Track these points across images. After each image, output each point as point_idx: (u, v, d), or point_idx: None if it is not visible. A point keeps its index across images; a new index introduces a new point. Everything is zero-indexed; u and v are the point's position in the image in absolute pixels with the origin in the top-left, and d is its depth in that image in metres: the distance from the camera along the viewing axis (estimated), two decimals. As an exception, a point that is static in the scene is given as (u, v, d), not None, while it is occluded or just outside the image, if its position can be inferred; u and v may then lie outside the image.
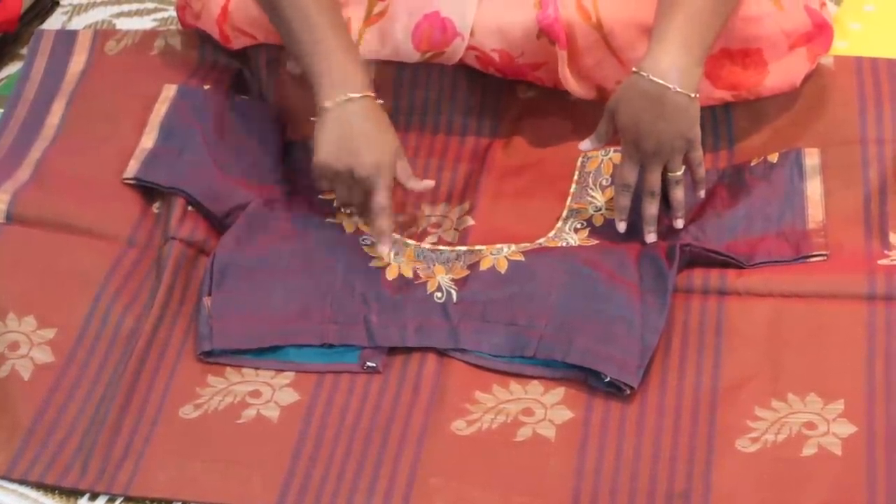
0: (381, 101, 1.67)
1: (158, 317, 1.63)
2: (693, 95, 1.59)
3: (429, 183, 1.72)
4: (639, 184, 1.65)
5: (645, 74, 1.58)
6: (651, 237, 1.66)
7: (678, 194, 1.65)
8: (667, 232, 1.68)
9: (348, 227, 1.71)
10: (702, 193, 1.68)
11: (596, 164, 1.76)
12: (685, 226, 1.68)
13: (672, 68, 1.57)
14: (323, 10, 1.67)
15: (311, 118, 1.66)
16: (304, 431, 1.53)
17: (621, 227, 1.67)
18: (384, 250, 1.66)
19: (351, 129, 1.63)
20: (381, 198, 1.65)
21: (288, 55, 1.85)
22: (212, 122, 1.81)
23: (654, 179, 1.64)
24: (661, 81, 1.57)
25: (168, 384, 1.58)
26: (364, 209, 1.68)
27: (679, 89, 1.57)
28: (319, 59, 1.65)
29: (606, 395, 1.54)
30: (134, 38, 1.97)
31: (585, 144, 1.69)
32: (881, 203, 1.68)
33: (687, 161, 1.64)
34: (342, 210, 1.72)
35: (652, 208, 1.65)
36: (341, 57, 1.65)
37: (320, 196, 1.76)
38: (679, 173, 1.64)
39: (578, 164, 1.78)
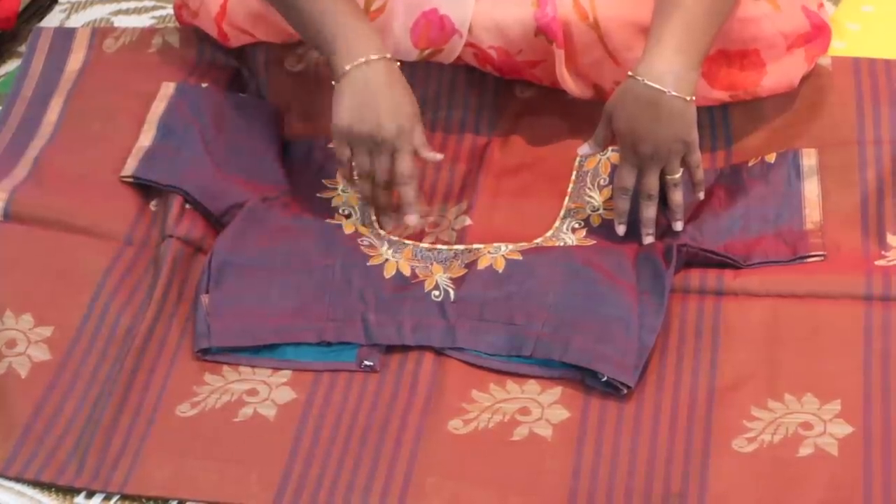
0: (399, 62, 1.66)
1: (155, 315, 1.63)
2: (689, 99, 1.59)
3: (438, 155, 1.69)
4: (637, 186, 1.65)
5: (640, 79, 1.58)
6: (649, 239, 1.66)
7: (677, 197, 1.65)
8: (664, 232, 1.68)
9: (347, 227, 1.71)
10: (701, 195, 1.68)
11: (594, 163, 1.76)
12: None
13: (667, 72, 1.57)
14: None
15: (332, 82, 1.65)
16: (301, 430, 1.53)
17: (620, 230, 1.67)
18: (412, 220, 1.64)
19: (371, 92, 1.62)
20: (406, 165, 1.64)
21: (291, 51, 1.85)
22: (210, 120, 1.81)
23: (652, 183, 1.64)
24: (656, 86, 1.57)
25: (165, 382, 1.58)
26: (386, 176, 1.65)
27: (674, 93, 1.57)
28: (331, 26, 1.64)
29: (603, 394, 1.54)
30: (132, 35, 1.97)
31: (584, 149, 1.69)
32: (878, 204, 1.68)
33: (685, 164, 1.64)
34: (356, 180, 1.69)
35: (650, 211, 1.65)
36: (352, 20, 1.64)
37: (318, 195, 1.76)
38: (677, 176, 1.64)
39: (576, 163, 1.78)
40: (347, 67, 1.62)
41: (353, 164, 1.67)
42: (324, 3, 1.65)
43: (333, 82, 1.64)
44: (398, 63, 1.65)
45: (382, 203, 1.69)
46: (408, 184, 1.65)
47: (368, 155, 1.65)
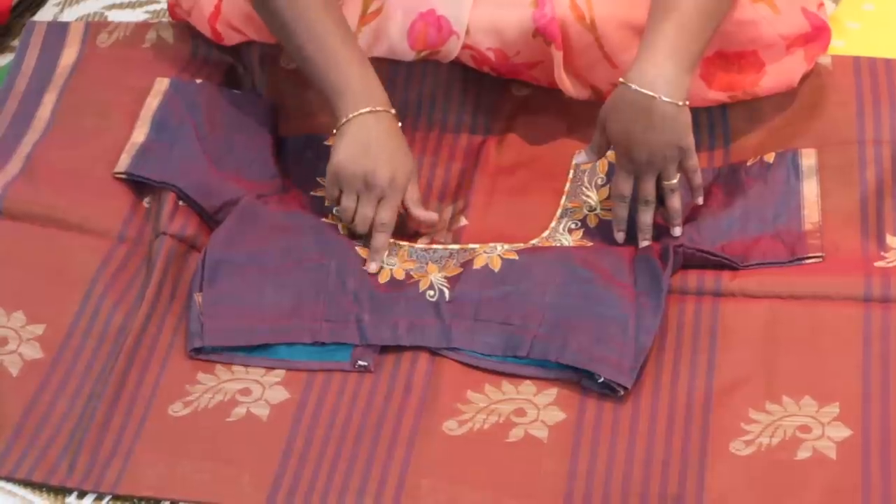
0: (400, 123, 1.68)
1: (148, 313, 1.62)
2: (681, 104, 1.57)
3: (433, 216, 1.71)
4: (634, 192, 1.64)
5: (631, 85, 1.57)
6: (646, 244, 1.65)
7: (675, 203, 1.64)
8: (661, 233, 1.67)
9: (343, 228, 1.70)
10: (699, 201, 1.67)
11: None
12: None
13: (659, 78, 1.56)
14: (332, 26, 1.66)
15: (333, 130, 1.66)
16: (295, 430, 1.52)
17: (619, 237, 1.67)
18: (374, 268, 1.65)
19: (372, 139, 1.64)
20: (387, 214, 1.66)
21: (287, 55, 1.84)
22: (204, 117, 1.80)
23: (649, 188, 1.63)
24: (647, 92, 1.56)
25: (157, 381, 1.58)
26: (364, 228, 1.67)
27: (666, 98, 1.56)
28: (337, 75, 1.66)
29: (599, 396, 1.53)
30: (126, 30, 1.96)
31: (581, 157, 1.68)
32: (878, 204, 1.67)
33: (682, 169, 1.63)
34: (335, 213, 1.71)
35: (647, 217, 1.65)
36: (359, 71, 1.66)
37: (313, 193, 1.75)
38: (674, 182, 1.63)
39: (573, 162, 1.77)
40: (351, 115, 1.64)
41: (337, 207, 1.68)
42: (328, 53, 1.66)
43: (334, 131, 1.66)
44: (395, 114, 1.67)
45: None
46: (383, 231, 1.66)
47: (355, 199, 1.66)
